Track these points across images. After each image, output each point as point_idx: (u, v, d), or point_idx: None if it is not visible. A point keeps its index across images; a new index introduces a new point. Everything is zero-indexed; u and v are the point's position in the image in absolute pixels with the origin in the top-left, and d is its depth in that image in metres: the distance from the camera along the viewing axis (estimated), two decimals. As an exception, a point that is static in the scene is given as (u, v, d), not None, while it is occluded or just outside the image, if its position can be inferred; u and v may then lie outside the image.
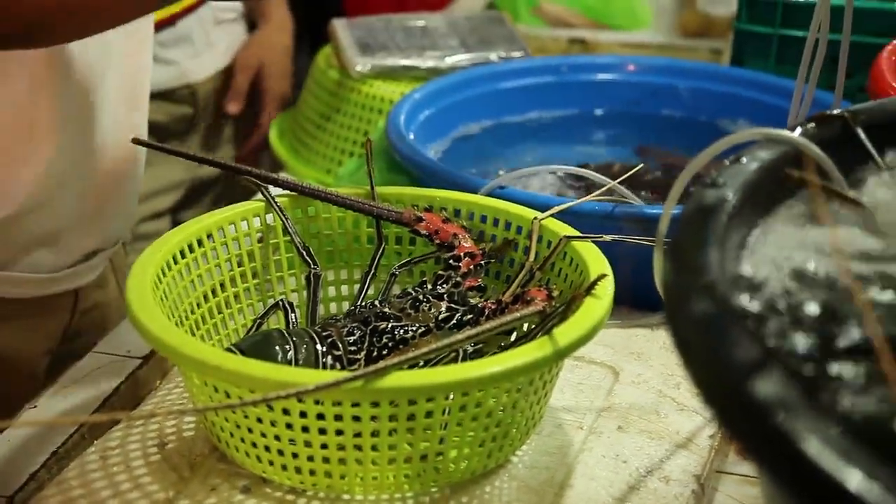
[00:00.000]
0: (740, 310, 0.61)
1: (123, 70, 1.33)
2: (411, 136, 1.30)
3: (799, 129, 0.83)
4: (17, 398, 1.25)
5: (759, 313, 0.65)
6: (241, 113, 2.31)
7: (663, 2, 2.38)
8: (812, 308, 0.67)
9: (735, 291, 0.65)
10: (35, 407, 1.14)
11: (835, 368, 0.61)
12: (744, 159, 0.81)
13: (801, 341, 0.63)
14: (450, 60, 1.62)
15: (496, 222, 1.06)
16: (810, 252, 0.78)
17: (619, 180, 1.15)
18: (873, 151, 0.87)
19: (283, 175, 1.52)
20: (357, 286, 1.07)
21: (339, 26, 1.66)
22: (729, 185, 0.76)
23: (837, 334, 0.63)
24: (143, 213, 1.69)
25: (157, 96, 1.69)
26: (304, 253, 1.07)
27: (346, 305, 1.06)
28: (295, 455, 0.88)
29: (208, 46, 1.91)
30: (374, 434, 0.87)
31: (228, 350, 0.92)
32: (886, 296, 0.70)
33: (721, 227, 0.71)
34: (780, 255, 0.78)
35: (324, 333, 0.99)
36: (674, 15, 2.33)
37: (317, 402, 0.85)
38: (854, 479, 0.45)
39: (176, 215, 2.03)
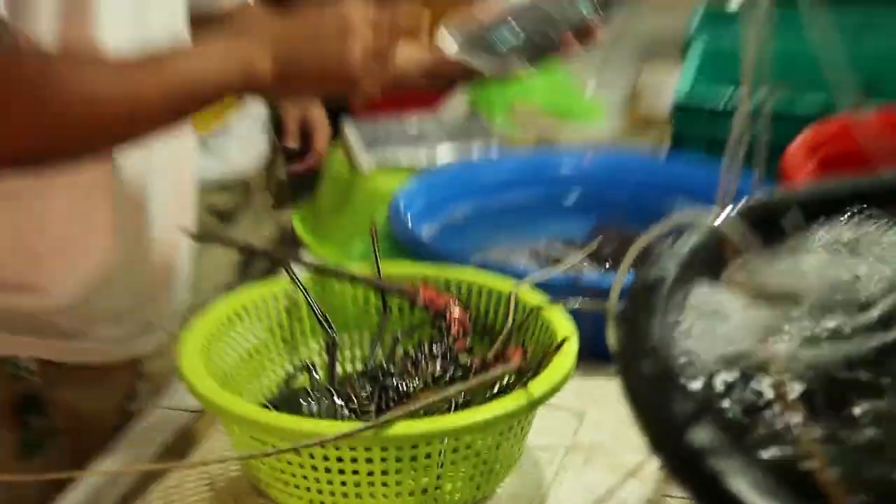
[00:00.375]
0: (678, 370, 0.62)
1: (168, 169, 1.35)
2: (409, 221, 1.37)
3: (722, 216, 0.87)
4: (91, 450, 1.26)
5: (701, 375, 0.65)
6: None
7: (613, 100, 2.42)
8: (732, 371, 0.67)
9: (677, 356, 0.65)
10: (106, 457, 1.17)
11: (755, 419, 0.62)
12: (679, 242, 0.83)
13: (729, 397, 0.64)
14: (439, 153, 1.65)
15: (480, 292, 1.09)
16: (737, 320, 0.79)
17: (580, 255, 1.20)
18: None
19: (305, 255, 1.60)
20: (368, 348, 1.10)
21: (349, 127, 1.69)
22: (667, 265, 0.78)
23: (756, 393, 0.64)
24: (205, 286, 1.68)
25: (209, 185, 1.72)
26: (323, 321, 1.09)
27: (358, 364, 1.12)
28: (319, 491, 0.92)
29: (258, 140, 1.91)
30: (384, 473, 0.91)
31: (264, 406, 0.98)
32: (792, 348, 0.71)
33: (662, 300, 0.73)
34: (713, 323, 0.78)
35: (341, 390, 1.03)
36: (623, 110, 2.37)
37: (336, 448, 0.89)
38: None
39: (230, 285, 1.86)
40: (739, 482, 0.49)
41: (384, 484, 0.91)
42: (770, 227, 0.88)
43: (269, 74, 1.11)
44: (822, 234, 0.91)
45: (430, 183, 1.51)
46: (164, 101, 1.14)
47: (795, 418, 0.61)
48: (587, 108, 2.25)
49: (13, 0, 1.17)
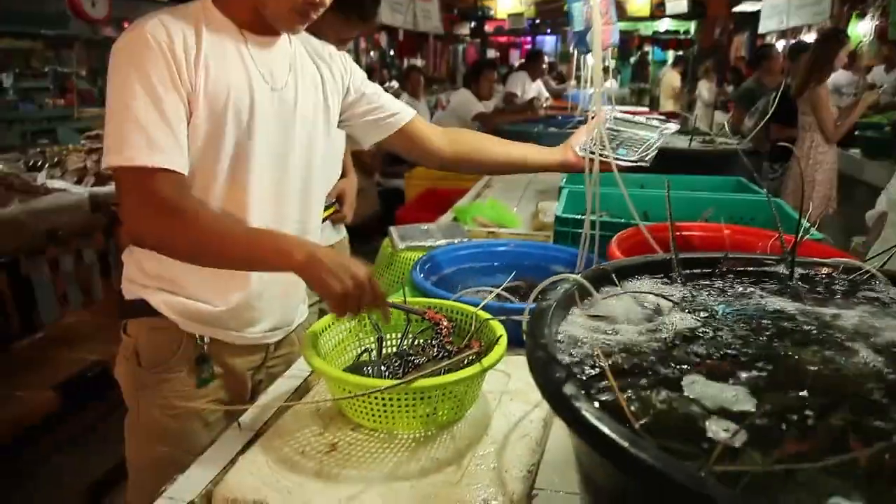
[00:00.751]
0: (555, 354, 0.63)
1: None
2: (421, 277, 1.39)
3: (578, 276, 0.83)
4: (235, 392, 1.32)
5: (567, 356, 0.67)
6: None
7: (524, 216, 2.42)
8: (583, 355, 0.69)
9: (555, 347, 0.67)
10: (262, 396, 1.17)
11: (598, 385, 0.62)
12: (558, 287, 0.80)
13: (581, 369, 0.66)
14: (437, 243, 1.64)
15: (458, 312, 1.13)
16: (586, 329, 0.76)
17: (500, 288, 1.19)
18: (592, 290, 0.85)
19: None
20: (399, 341, 1.14)
21: (392, 229, 1.74)
22: (552, 299, 0.76)
23: (595, 367, 0.66)
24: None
25: None
26: (376, 326, 1.13)
27: (394, 349, 1.13)
28: (373, 414, 0.95)
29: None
30: (407, 405, 0.94)
31: (345, 370, 1.03)
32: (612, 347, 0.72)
33: (549, 318, 0.72)
34: (574, 329, 0.76)
35: (384, 362, 1.06)
36: (529, 220, 2.33)
37: (381, 395, 0.91)
38: (601, 423, 0.49)
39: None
40: (587, 410, 0.50)
41: (406, 411, 0.95)
42: (602, 282, 0.87)
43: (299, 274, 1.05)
44: (627, 286, 0.89)
45: (433, 257, 1.56)
46: (244, 261, 1.12)
47: (611, 378, 0.61)
48: (513, 219, 2.36)
49: (201, 174, 1.13)
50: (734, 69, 9.28)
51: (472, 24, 13.76)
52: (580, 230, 1.64)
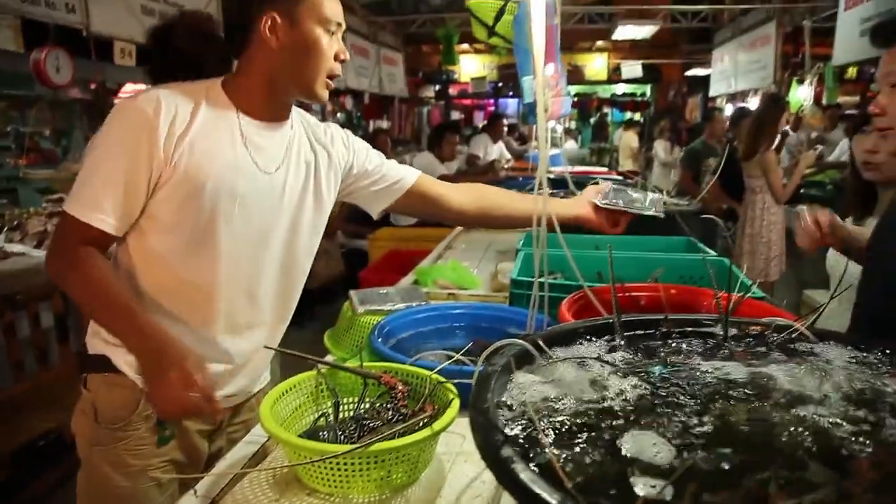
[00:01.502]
0: (498, 419, 0.68)
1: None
2: (379, 341, 1.39)
3: (524, 340, 0.87)
4: (196, 462, 1.33)
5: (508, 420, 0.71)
6: None
7: (485, 277, 2.45)
8: (523, 419, 0.72)
9: (497, 410, 0.70)
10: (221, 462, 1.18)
11: (535, 448, 0.65)
12: (504, 351, 0.84)
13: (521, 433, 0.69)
14: (396, 307, 1.65)
15: (413, 376, 1.13)
16: (529, 392, 0.79)
17: (460, 353, 1.18)
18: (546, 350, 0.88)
19: (329, 357, 1.57)
20: (355, 405, 1.13)
21: (353, 293, 1.73)
22: (497, 364, 0.80)
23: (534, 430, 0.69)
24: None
25: None
26: (333, 391, 1.13)
27: (350, 413, 1.12)
28: (327, 479, 0.95)
29: None
30: (361, 469, 0.95)
31: (300, 436, 1.03)
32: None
33: (491, 383, 0.75)
34: (518, 393, 0.78)
35: (340, 426, 1.06)
36: (489, 281, 2.37)
37: (337, 460, 0.92)
38: (534, 484, 0.53)
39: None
40: (522, 472, 0.54)
41: (361, 475, 0.96)
42: (549, 344, 0.90)
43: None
44: (573, 349, 0.93)
45: (391, 321, 1.57)
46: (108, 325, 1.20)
47: (547, 441, 0.66)
48: (473, 280, 2.37)
49: (174, 234, 1.20)
50: (691, 129, 9.69)
51: (437, 87, 14.08)
52: (527, 291, 1.71)
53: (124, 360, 1.23)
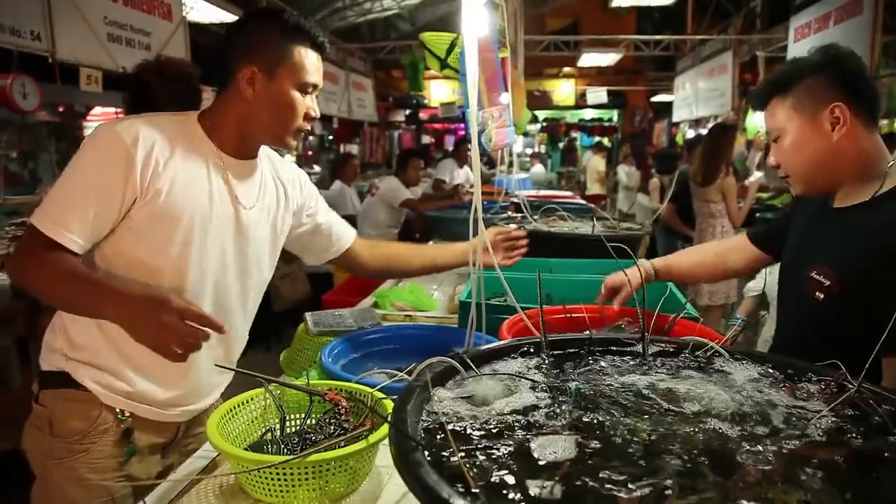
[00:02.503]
0: (414, 429, 0.75)
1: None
2: (328, 360, 1.45)
3: (455, 357, 0.96)
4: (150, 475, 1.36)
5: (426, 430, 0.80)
6: None
7: (443, 299, 2.50)
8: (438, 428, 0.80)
9: (413, 423, 0.76)
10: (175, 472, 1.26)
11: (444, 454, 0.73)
12: (429, 368, 0.94)
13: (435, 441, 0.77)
14: (349, 325, 1.70)
15: (357, 393, 1.17)
16: (452, 405, 0.86)
17: (400, 375, 1.27)
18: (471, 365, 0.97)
19: (283, 376, 1.61)
20: (301, 420, 1.19)
21: (308, 315, 1.75)
22: (421, 379, 0.87)
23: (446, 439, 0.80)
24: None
25: None
26: (281, 408, 1.17)
27: (296, 427, 1.18)
28: (269, 488, 1.01)
29: None
30: (302, 478, 1.00)
31: (247, 448, 1.10)
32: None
33: (416, 395, 0.83)
34: (439, 405, 0.86)
35: (284, 440, 1.11)
36: (447, 303, 2.43)
37: (279, 469, 0.98)
38: (440, 487, 0.59)
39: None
40: (431, 477, 0.61)
41: (301, 484, 1.01)
42: (479, 362, 0.98)
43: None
44: (502, 366, 1.01)
45: (343, 341, 1.61)
46: (78, 304, 1.20)
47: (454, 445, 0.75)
48: (431, 303, 2.44)
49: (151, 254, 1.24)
50: (659, 155, 9.92)
51: (407, 111, 14.24)
52: (482, 314, 1.79)
53: (87, 375, 1.27)
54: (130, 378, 1.31)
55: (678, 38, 9.60)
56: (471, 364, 0.95)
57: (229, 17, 5.53)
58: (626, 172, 9.05)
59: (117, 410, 1.31)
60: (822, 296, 1.31)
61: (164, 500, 1.09)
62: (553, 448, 0.75)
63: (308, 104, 1.33)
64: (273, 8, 1.37)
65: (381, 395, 1.14)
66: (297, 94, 1.30)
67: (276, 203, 1.44)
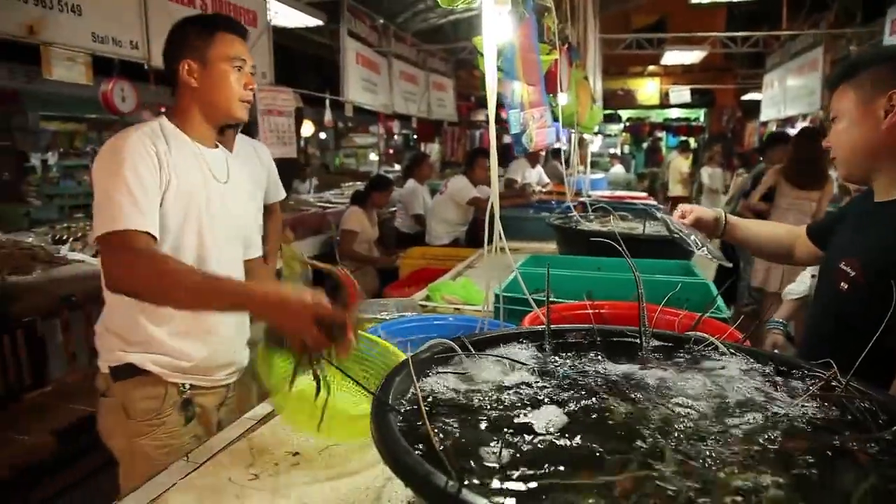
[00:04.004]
0: (396, 402, 0.83)
1: None
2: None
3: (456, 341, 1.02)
4: (211, 432, 1.52)
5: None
6: None
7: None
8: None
9: (399, 399, 0.83)
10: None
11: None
12: (428, 346, 0.98)
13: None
14: (390, 316, 1.81)
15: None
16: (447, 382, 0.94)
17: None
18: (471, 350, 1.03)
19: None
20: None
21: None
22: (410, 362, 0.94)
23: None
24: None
25: None
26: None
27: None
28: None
29: None
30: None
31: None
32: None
33: (401, 371, 0.87)
34: (436, 382, 0.92)
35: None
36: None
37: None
38: (409, 459, 0.63)
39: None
40: (408, 457, 0.66)
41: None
42: (482, 346, 1.04)
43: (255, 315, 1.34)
44: (503, 351, 1.06)
45: (379, 328, 1.65)
46: (206, 299, 1.25)
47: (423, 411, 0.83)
48: (480, 297, 2.36)
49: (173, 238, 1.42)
50: (741, 155, 9.53)
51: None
52: (514, 306, 1.85)
53: (149, 360, 1.48)
54: (182, 353, 1.50)
55: (763, 34, 9.18)
56: (469, 346, 1.04)
57: (314, 22, 5.73)
58: (709, 174, 8.75)
59: (179, 384, 1.52)
60: (846, 286, 1.33)
61: (202, 455, 1.25)
62: (533, 418, 0.82)
63: (245, 77, 1.53)
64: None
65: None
66: (230, 70, 1.52)
67: (249, 177, 1.75)
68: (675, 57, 9.95)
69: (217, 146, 1.65)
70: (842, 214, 1.59)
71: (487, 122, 1.47)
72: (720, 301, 1.84)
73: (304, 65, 6.91)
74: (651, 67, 13.51)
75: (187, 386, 1.54)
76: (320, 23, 5.76)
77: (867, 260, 1.30)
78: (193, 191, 1.49)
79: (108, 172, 1.38)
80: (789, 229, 1.82)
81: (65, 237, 3.68)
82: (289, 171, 4.13)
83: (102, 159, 1.40)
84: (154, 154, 1.41)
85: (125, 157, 1.38)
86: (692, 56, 9.91)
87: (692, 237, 1.67)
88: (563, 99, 2.76)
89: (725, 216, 1.74)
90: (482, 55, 2.38)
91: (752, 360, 1.05)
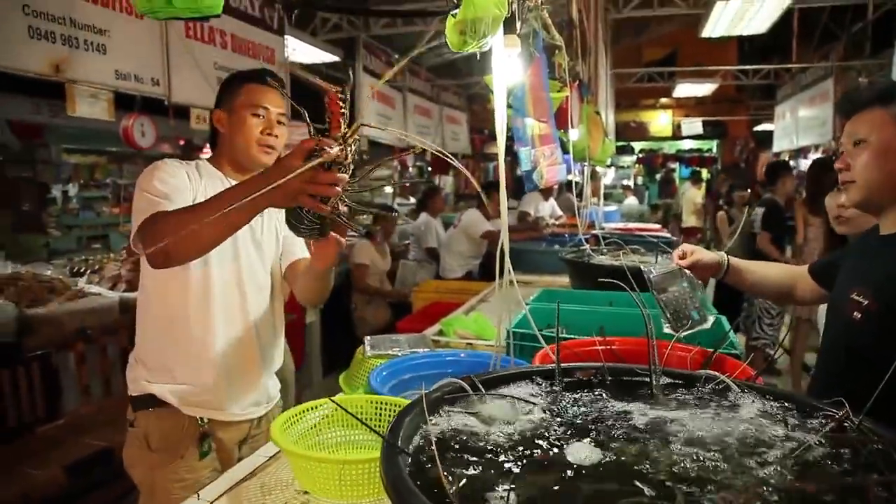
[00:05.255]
0: (404, 445, 0.85)
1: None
2: (377, 380, 1.51)
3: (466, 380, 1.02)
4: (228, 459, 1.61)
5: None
6: None
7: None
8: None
9: (406, 442, 0.82)
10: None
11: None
12: (439, 385, 0.99)
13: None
14: (402, 352, 1.79)
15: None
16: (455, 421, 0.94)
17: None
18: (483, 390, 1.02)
19: (340, 394, 1.70)
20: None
21: (367, 338, 1.89)
22: (423, 401, 0.91)
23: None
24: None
25: None
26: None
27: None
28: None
29: None
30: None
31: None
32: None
33: (412, 411, 0.88)
34: (446, 421, 0.92)
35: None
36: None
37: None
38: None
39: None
40: (406, 485, 0.69)
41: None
42: (491, 385, 1.05)
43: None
44: (512, 389, 1.05)
45: (392, 364, 1.67)
46: (227, 223, 1.23)
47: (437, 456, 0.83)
48: (493, 332, 2.38)
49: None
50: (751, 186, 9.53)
51: (504, 143, 14.53)
52: (526, 342, 1.85)
53: (168, 391, 1.54)
54: (197, 384, 1.54)
55: (774, 66, 9.31)
56: (479, 386, 1.04)
57: (331, 58, 5.91)
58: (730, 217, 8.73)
59: (198, 418, 1.56)
60: (859, 315, 1.32)
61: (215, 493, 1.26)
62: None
63: (263, 124, 1.61)
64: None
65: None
66: (250, 118, 1.60)
67: (270, 213, 1.71)
68: (686, 89, 10.02)
69: None
70: (843, 255, 1.57)
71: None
72: (732, 336, 1.82)
73: (320, 99, 7.17)
74: (663, 100, 13.58)
75: (206, 420, 1.57)
76: (337, 59, 5.95)
77: (880, 288, 1.29)
78: None
79: (140, 186, 1.48)
80: (789, 269, 1.81)
81: (82, 269, 3.73)
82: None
83: (138, 181, 1.49)
84: (185, 174, 1.53)
85: (155, 172, 1.49)
86: (704, 88, 9.98)
87: (672, 309, 1.61)
88: (574, 134, 2.78)
89: (728, 259, 1.71)
90: (493, 93, 2.46)
91: (764, 399, 1.03)
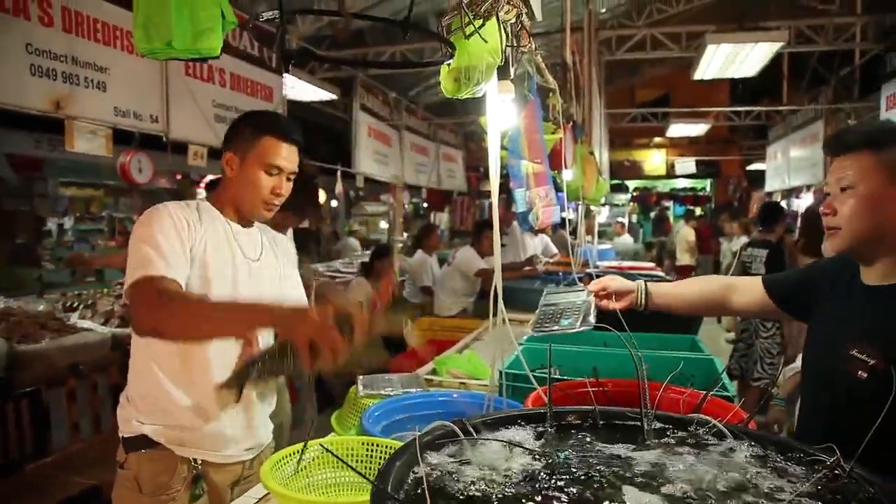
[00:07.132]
0: (394, 490, 0.83)
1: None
2: (370, 421, 1.53)
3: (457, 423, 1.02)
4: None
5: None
6: None
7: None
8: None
9: (396, 486, 0.80)
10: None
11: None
12: (430, 429, 0.97)
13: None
14: (394, 392, 1.81)
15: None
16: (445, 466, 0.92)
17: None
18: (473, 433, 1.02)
19: (332, 434, 1.71)
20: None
21: (360, 377, 1.89)
22: (415, 444, 0.90)
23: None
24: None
25: None
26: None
27: None
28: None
29: None
30: None
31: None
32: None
33: (402, 456, 0.87)
34: (436, 467, 0.91)
35: None
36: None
37: None
38: None
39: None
40: None
41: None
42: (482, 429, 1.04)
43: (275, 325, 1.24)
44: (504, 433, 1.05)
45: (383, 405, 1.68)
46: (223, 326, 1.25)
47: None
48: (486, 371, 2.39)
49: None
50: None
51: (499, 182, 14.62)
52: (518, 383, 1.84)
53: (161, 434, 1.52)
54: (193, 425, 1.51)
55: (765, 108, 9.47)
56: (470, 430, 1.03)
57: (328, 96, 5.93)
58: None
59: (190, 460, 1.53)
60: (865, 374, 1.28)
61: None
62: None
63: (274, 183, 1.59)
64: (263, 111, 1.74)
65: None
66: (262, 175, 1.58)
67: (275, 258, 1.70)
68: (680, 130, 10.17)
69: (252, 225, 1.70)
70: (812, 281, 1.50)
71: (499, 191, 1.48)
72: (725, 379, 1.82)
73: (318, 136, 7.12)
74: (657, 139, 13.75)
75: (199, 462, 1.55)
76: (334, 97, 5.97)
77: (886, 346, 1.24)
78: (220, 266, 1.54)
79: (138, 235, 1.47)
80: (718, 280, 1.75)
81: (76, 304, 3.73)
82: (304, 241, 4.14)
83: (136, 227, 1.49)
84: (184, 219, 1.50)
85: (155, 220, 1.47)
86: (697, 129, 10.14)
87: (542, 314, 1.67)
88: (568, 175, 2.80)
89: (646, 285, 1.69)
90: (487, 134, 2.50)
91: (754, 445, 1.02)
